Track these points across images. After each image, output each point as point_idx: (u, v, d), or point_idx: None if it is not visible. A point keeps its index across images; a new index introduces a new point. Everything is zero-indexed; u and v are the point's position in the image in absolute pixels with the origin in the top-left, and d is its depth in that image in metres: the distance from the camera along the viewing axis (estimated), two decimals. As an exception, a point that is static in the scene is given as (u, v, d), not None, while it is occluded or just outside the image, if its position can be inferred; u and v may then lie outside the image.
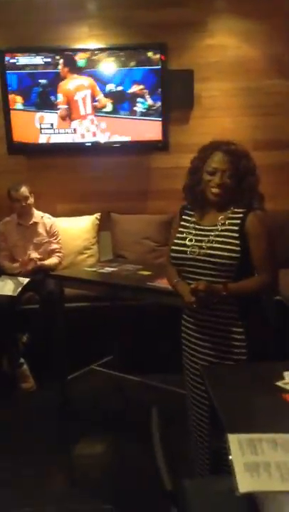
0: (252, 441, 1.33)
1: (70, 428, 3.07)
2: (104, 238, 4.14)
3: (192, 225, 2.11)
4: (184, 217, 2.18)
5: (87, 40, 4.03)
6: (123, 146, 4.09)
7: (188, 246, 2.06)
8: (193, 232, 2.08)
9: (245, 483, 1.19)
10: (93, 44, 4.02)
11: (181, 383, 3.07)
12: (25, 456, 2.76)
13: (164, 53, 3.95)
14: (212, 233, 2.03)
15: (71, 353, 3.21)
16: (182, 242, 2.10)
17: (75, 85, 4.01)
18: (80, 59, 3.96)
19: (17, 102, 3.99)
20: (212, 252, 2.00)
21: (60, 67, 3.96)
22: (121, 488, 2.51)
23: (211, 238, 2.02)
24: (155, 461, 1.38)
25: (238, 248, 1.98)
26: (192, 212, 2.15)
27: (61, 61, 3.94)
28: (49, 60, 3.94)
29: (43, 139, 4.05)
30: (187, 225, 2.13)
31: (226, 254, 1.98)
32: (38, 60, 3.94)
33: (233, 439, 1.34)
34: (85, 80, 4.00)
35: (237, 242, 1.98)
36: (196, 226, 2.10)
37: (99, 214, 4.12)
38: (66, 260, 3.89)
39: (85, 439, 3.00)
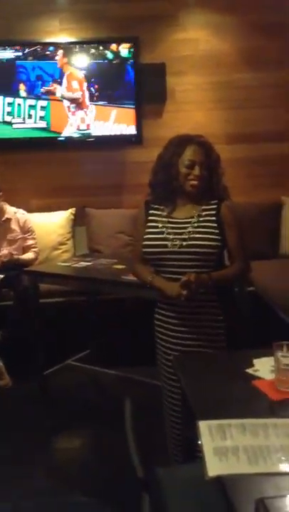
0: (221, 427, 1.36)
1: (47, 422, 3.07)
2: (79, 233, 4.13)
3: (165, 219, 2.10)
4: (151, 212, 2.16)
5: (58, 33, 4.01)
6: (97, 140, 4.08)
7: (167, 240, 2.05)
8: (169, 225, 2.08)
9: (214, 467, 1.22)
10: (64, 38, 4.00)
11: (156, 375, 3.12)
12: (1, 450, 2.75)
13: (136, 47, 3.96)
14: (190, 225, 2.05)
15: (47, 348, 3.20)
16: (158, 236, 2.08)
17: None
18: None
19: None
20: (195, 242, 2.02)
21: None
22: (99, 479, 2.51)
23: (191, 230, 2.04)
24: (127, 450, 1.39)
25: (218, 237, 2.03)
26: (161, 207, 2.14)
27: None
28: (19, 53, 3.90)
29: (16, 134, 4.02)
30: (158, 219, 2.12)
31: (208, 243, 2.02)
32: (9, 53, 3.90)
33: (203, 426, 1.37)
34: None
35: (216, 231, 2.04)
36: (170, 220, 2.09)
37: (74, 209, 4.11)
38: (41, 255, 3.88)
39: (63, 432, 2.99)
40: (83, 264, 3.18)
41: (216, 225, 2.04)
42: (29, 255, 3.70)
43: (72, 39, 3.99)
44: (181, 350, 2.08)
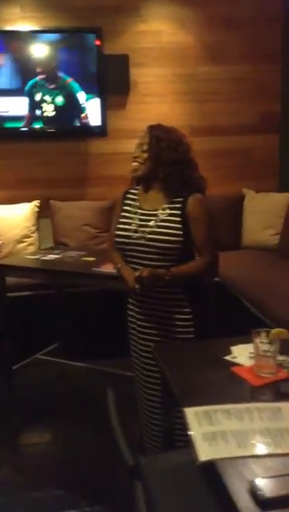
0: (207, 413, 1.39)
1: (15, 417, 3.03)
2: (43, 226, 4.07)
3: (136, 210, 2.13)
4: (126, 201, 2.19)
5: (18, 21, 3.92)
6: (60, 132, 4.03)
7: (132, 230, 2.08)
8: (137, 216, 2.10)
9: (204, 452, 1.24)
10: (25, 26, 3.92)
11: (127, 366, 3.14)
12: None
13: (100, 37, 3.92)
14: (155, 218, 2.05)
15: (15, 342, 3.16)
16: (126, 226, 2.11)
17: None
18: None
19: None
20: (155, 236, 2.02)
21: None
22: (70, 474, 2.50)
23: (154, 223, 2.04)
24: (115, 440, 1.40)
25: (180, 232, 2.01)
26: (136, 197, 2.17)
27: None
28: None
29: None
30: (130, 209, 2.15)
31: (168, 238, 2.01)
32: None
33: (189, 412, 1.39)
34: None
35: (179, 226, 2.02)
36: (139, 210, 2.12)
37: (38, 201, 4.05)
38: (5, 249, 3.80)
39: (32, 427, 2.96)
40: (52, 256, 3.14)
41: (179, 219, 2.02)
42: None
43: (35, 27, 3.91)
44: (148, 340, 2.12)
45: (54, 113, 3.98)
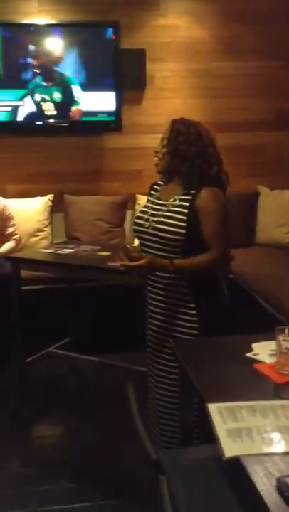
0: (231, 409, 1.38)
1: (28, 410, 3.04)
2: (56, 220, 4.07)
3: (154, 199, 2.15)
4: (151, 192, 2.23)
5: (36, 15, 3.91)
6: (76, 126, 4.03)
7: (144, 219, 2.10)
8: (153, 205, 2.12)
9: (229, 448, 1.24)
10: (42, 20, 3.91)
11: (138, 361, 3.14)
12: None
13: (117, 32, 3.91)
14: (165, 207, 2.06)
15: (28, 336, 3.16)
16: (142, 215, 2.14)
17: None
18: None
19: None
20: (159, 226, 2.02)
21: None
22: (82, 467, 2.51)
23: (162, 213, 2.05)
24: (137, 434, 1.40)
25: (184, 224, 1.98)
26: (159, 188, 2.19)
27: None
28: (-3, 34, 3.80)
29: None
30: (151, 199, 2.18)
31: (171, 229, 1.99)
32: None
33: (213, 408, 1.39)
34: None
35: (184, 218, 1.99)
36: (155, 200, 2.14)
37: (52, 195, 4.05)
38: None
39: (44, 420, 2.97)
40: (66, 250, 3.14)
41: (186, 211, 1.99)
42: (9, 245, 3.60)
43: (51, 21, 3.90)
44: (154, 331, 2.14)
45: (55, 111, 3.97)
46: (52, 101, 3.95)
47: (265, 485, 1.12)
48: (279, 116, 4.30)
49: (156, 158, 2.10)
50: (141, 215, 2.14)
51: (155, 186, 2.23)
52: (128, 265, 1.97)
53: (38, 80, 3.92)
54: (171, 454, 1.62)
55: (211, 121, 4.19)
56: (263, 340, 1.79)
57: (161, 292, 2.10)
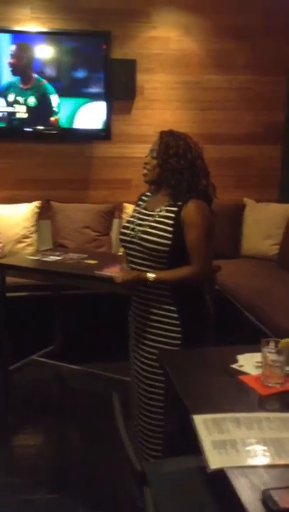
0: (216, 421, 1.38)
1: (10, 418, 3.01)
2: (43, 227, 4.06)
3: (141, 209, 2.16)
4: (138, 202, 2.23)
5: (28, 22, 3.92)
6: (64, 134, 4.03)
7: (130, 229, 2.11)
8: (140, 215, 2.13)
9: (214, 460, 1.24)
10: (34, 27, 3.92)
11: (122, 370, 3.13)
12: None
13: (108, 41, 3.93)
14: (151, 218, 2.06)
15: (12, 343, 3.14)
16: (128, 224, 2.15)
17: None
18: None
19: None
20: (144, 236, 2.02)
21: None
22: (64, 476, 2.49)
23: (147, 223, 2.05)
24: (122, 444, 1.40)
25: (169, 235, 1.98)
26: (147, 199, 2.19)
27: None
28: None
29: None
30: (138, 209, 2.19)
31: (156, 239, 1.99)
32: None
33: (198, 420, 1.39)
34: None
35: (170, 229, 1.99)
36: (142, 210, 2.14)
37: (39, 202, 4.04)
38: (4, 249, 3.78)
39: (26, 429, 2.94)
40: (53, 258, 3.13)
41: (172, 222, 1.99)
42: None
43: (43, 29, 3.91)
44: (136, 340, 2.14)
45: (26, 115, 3.94)
46: (25, 104, 3.94)
47: (249, 497, 1.12)
48: (267, 130, 4.35)
49: (145, 170, 2.11)
50: (127, 224, 2.15)
51: (143, 197, 2.23)
52: (123, 281, 2.03)
53: (14, 80, 3.89)
54: (156, 465, 1.61)
55: (199, 133, 4.25)
56: (248, 352, 1.80)
57: (145, 302, 2.10)
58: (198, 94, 4.26)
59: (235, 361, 1.76)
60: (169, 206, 2.04)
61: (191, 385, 1.63)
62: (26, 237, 3.94)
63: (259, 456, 1.25)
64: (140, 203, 2.21)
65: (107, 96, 3.99)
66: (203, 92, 4.26)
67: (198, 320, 2.09)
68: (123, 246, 2.17)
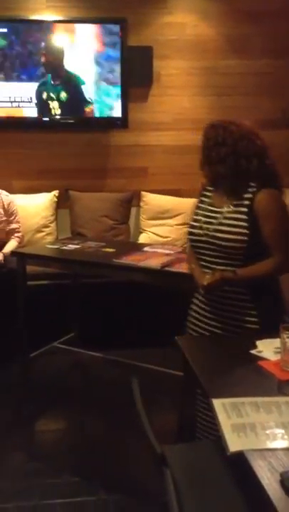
0: (235, 405, 1.40)
1: (31, 404, 3.06)
2: (61, 216, 4.09)
3: (206, 206, 2.08)
4: (201, 198, 2.14)
5: (44, 11, 3.92)
6: (82, 122, 4.03)
7: (198, 227, 2.04)
8: (206, 213, 2.05)
9: (234, 443, 1.26)
10: (50, 16, 3.91)
11: (143, 358, 3.16)
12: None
13: (124, 29, 3.91)
14: (220, 215, 1.99)
15: (33, 330, 3.18)
16: (194, 223, 2.07)
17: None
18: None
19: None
20: (219, 234, 1.95)
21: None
22: (85, 461, 2.53)
23: (218, 220, 1.99)
24: (142, 428, 1.42)
25: (246, 231, 1.91)
26: (210, 194, 2.10)
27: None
28: (5, 30, 3.80)
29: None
30: (203, 206, 2.10)
31: (231, 237, 1.93)
32: (-6, 29, 3.80)
33: (218, 404, 1.40)
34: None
35: (245, 224, 1.91)
36: (209, 207, 2.07)
37: (57, 191, 4.07)
38: (24, 238, 3.82)
39: (46, 414, 3.00)
40: (72, 246, 3.16)
41: (246, 217, 1.92)
42: (12, 244, 3.58)
43: (59, 17, 3.90)
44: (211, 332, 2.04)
45: (60, 110, 3.95)
46: (58, 100, 3.95)
47: (268, 479, 1.13)
48: (286, 115, 4.29)
49: (202, 171, 2.06)
50: (194, 223, 2.07)
51: (205, 192, 2.13)
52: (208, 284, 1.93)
53: (46, 78, 3.92)
54: (175, 448, 1.63)
55: (217, 119, 4.23)
56: (267, 338, 1.80)
57: (221, 298, 2.00)
58: (216, 80, 4.21)
59: (255, 347, 1.77)
60: (238, 200, 1.96)
61: (210, 370, 1.64)
62: (46, 226, 3.98)
63: (278, 439, 1.27)
64: (203, 198, 2.12)
65: (124, 84, 3.97)
66: (220, 78, 4.21)
67: (275, 312, 2.00)
68: (192, 246, 2.09)
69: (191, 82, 4.20)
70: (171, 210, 4.07)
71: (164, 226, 4.06)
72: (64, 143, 4.10)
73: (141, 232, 4.12)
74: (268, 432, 1.29)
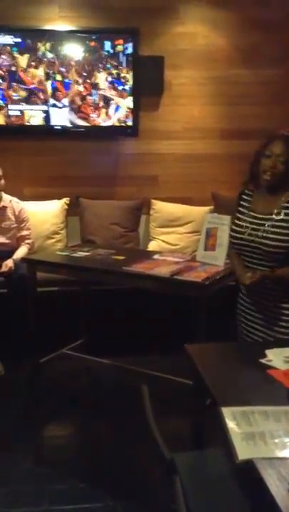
0: (245, 414, 1.41)
1: (39, 410, 3.08)
2: (71, 223, 4.12)
3: (249, 212, 2.21)
4: (241, 202, 2.27)
5: (56, 21, 3.97)
6: (92, 131, 4.08)
7: (245, 233, 2.18)
8: (249, 219, 2.19)
9: (243, 451, 1.26)
10: (62, 26, 3.97)
11: (151, 365, 3.16)
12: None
13: (136, 38, 3.95)
14: (267, 222, 2.13)
15: (43, 336, 3.21)
16: (239, 228, 2.22)
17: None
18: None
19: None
20: (266, 241, 2.11)
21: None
22: (93, 467, 2.53)
23: (267, 228, 2.12)
24: (151, 435, 1.43)
25: None
26: (250, 199, 2.24)
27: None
28: (18, 40, 3.86)
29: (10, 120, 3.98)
30: (244, 211, 2.24)
31: (279, 244, 2.09)
32: (7, 39, 3.85)
33: (227, 412, 1.41)
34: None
35: None
36: (252, 213, 2.20)
37: (68, 199, 4.10)
38: (34, 245, 3.85)
39: (55, 420, 3.01)
40: (82, 253, 3.18)
41: None
42: (22, 250, 3.61)
43: (71, 27, 3.95)
44: (253, 328, 2.23)
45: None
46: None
47: (277, 487, 1.14)
48: (296, 124, 4.30)
49: (268, 174, 2.13)
50: (238, 228, 2.22)
51: (244, 196, 2.27)
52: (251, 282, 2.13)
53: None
54: (185, 455, 1.64)
55: (227, 129, 4.28)
56: (276, 347, 1.81)
57: (261, 294, 2.19)
58: (226, 90, 4.24)
59: (264, 356, 1.77)
60: (285, 209, 2.11)
61: (220, 378, 1.65)
62: (56, 233, 4.02)
63: (287, 448, 1.27)
64: (244, 203, 2.25)
65: (135, 93, 4.01)
66: (231, 87, 4.24)
67: None
68: (237, 249, 2.25)
69: (201, 92, 4.23)
70: (181, 218, 4.09)
71: (173, 234, 4.08)
72: (75, 151, 4.15)
73: (150, 240, 4.15)
74: (277, 440, 1.30)
